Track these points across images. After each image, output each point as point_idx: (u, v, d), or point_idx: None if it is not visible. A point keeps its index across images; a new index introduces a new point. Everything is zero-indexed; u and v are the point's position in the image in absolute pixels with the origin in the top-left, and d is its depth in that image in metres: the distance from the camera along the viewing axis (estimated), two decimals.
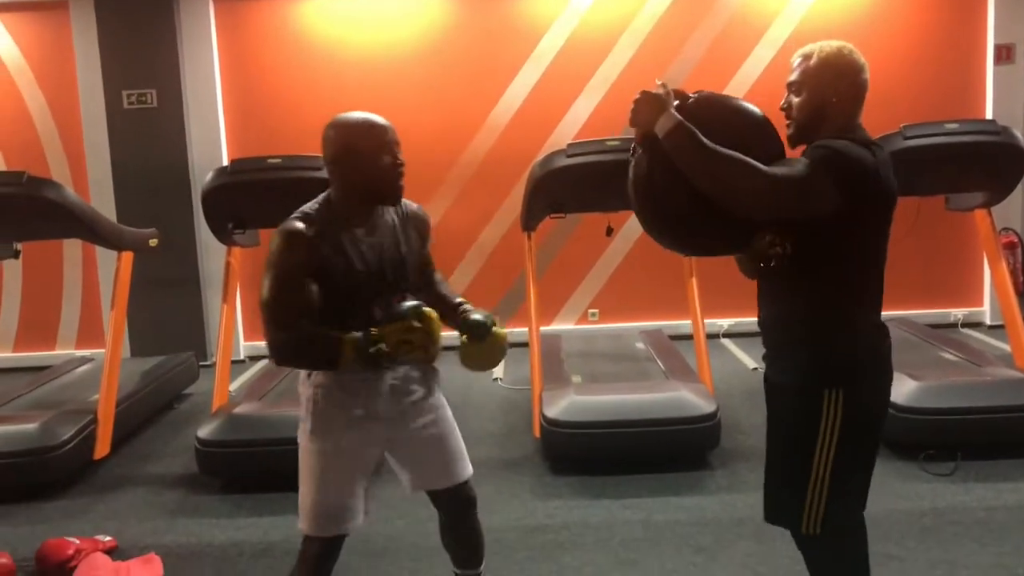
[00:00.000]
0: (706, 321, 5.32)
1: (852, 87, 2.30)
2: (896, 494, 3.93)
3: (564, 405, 4.42)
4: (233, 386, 5.85)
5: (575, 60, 7.30)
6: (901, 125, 4.62)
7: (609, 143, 4.66)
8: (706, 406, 4.37)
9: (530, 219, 5.15)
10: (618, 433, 4.30)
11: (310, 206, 2.40)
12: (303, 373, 2.49)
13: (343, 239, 2.35)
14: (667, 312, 7.09)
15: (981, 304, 7.36)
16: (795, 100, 2.33)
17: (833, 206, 2.13)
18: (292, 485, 4.25)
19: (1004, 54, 7.06)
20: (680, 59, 7.28)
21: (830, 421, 2.24)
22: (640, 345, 6.00)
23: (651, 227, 2.39)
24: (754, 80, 7.24)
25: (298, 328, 2.27)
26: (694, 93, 2.38)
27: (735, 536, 3.61)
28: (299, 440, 2.51)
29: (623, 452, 4.36)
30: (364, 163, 2.35)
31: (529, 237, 5.27)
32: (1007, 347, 5.36)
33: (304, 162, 4.64)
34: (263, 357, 7.38)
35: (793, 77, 2.35)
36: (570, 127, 7.30)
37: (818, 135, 2.27)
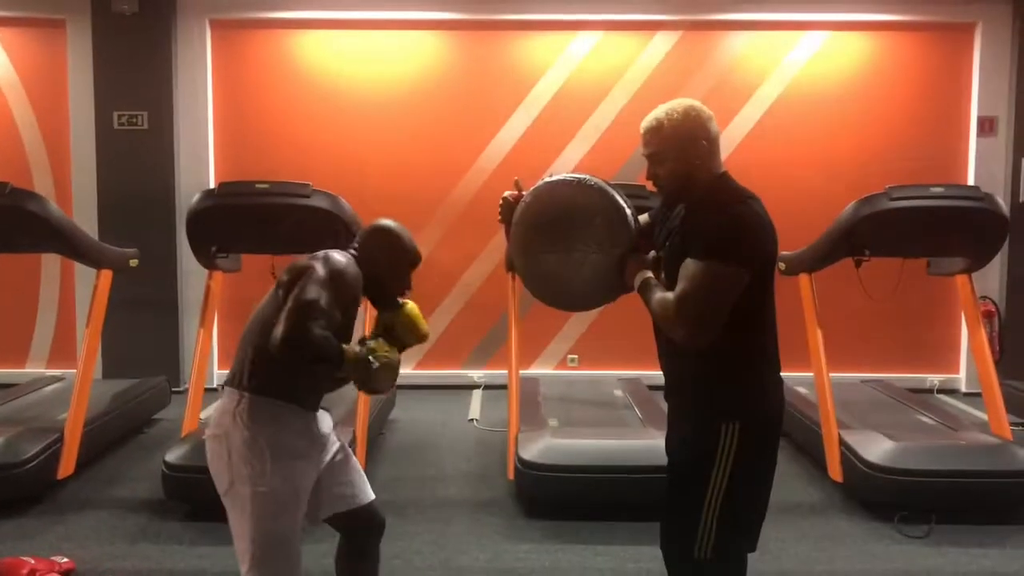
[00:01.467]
0: None
1: (709, 144, 2.39)
2: (870, 554, 3.90)
3: (540, 448, 4.37)
4: (204, 413, 5.75)
5: (567, 107, 7.37)
6: (886, 186, 4.68)
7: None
8: None
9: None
10: (593, 479, 4.25)
11: (350, 259, 2.59)
12: (234, 413, 2.44)
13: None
14: (647, 362, 6.98)
15: (957, 371, 7.39)
16: (660, 171, 2.42)
17: (745, 282, 2.25)
18: None
19: (987, 126, 7.20)
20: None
21: (725, 452, 2.32)
22: (619, 392, 5.97)
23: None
24: (742, 137, 7.33)
25: (323, 329, 2.37)
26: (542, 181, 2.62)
27: None
28: (236, 482, 2.43)
29: (598, 498, 4.31)
30: (395, 273, 2.71)
31: (513, 278, 5.26)
32: (982, 415, 5.39)
33: (291, 189, 4.63)
34: None
35: (649, 151, 2.43)
36: (560, 171, 7.32)
37: (691, 195, 2.39)
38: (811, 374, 5.04)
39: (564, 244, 2.55)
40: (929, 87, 7.35)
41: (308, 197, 4.59)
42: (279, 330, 2.31)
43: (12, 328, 7.48)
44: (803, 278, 5.08)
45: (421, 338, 2.75)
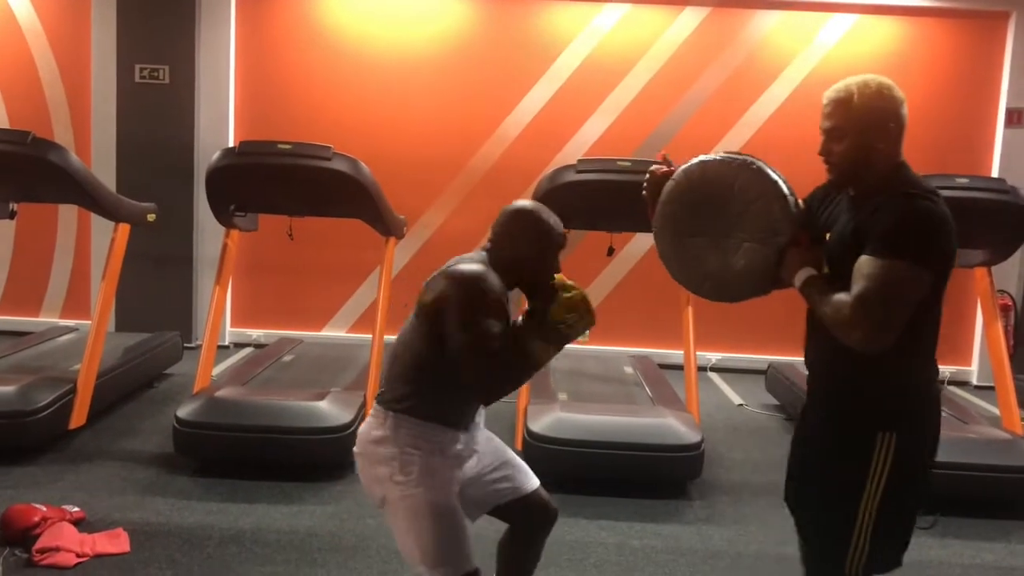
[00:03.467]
0: (696, 353, 5.29)
1: (897, 128, 2.20)
2: None
3: (549, 421, 4.38)
4: (216, 370, 5.79)
5: (591, 79, 7.31)
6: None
7: (620, 163, 4.65)
8: (691, 435, 4.34)
9: None
10: (601, 454, 4.26)
11: (482, 259, 2.41)
12: (380, 430, 2.38)
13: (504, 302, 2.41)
14: (657, 340, 7.06)
15: (969, 364, 7.37)
16: (836, 148, 2.21)
17: (928, 285, 2.09)
18: (267, 474, 4.24)
19: (1015, 118, 7.11)
20: (695, 89, 7.29)
21: (880, 463, 2.19)
22: (629, 369, 5.97)
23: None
24: (767, 117, 7.26)
25: (500, 354, 2.27)
26: (690, 161, 2.43)
27: (709, 568, 3.58)
28: (391, 496, 2.36)
29: (604, 473, 4.32)
30: (542, 259, 2.46)
31: None
32: (993, 408, 5.36)
33: (313, 151, 4.61)
34: (249, 344, 7.35)
35: (831, 123, 2.22)
36: (580, 145, 7.30)
37: (866, 180, 2.21)
38: None
39: (717, 228, 2.35)
40: (958, 76, 7.25)
41: (329, 160, 4.58)
42: (471, 382, 2.26)
43: (28, 277, 7.53)
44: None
45: (590, 321, 2.47)
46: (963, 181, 4.58)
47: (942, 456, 4.36)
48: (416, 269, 7.42)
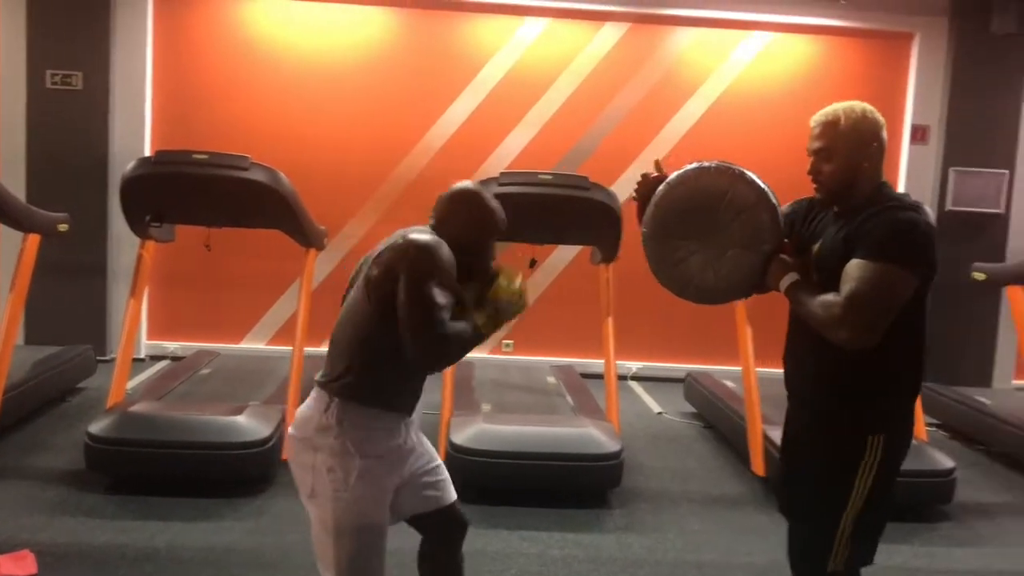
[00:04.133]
0: (616, 362, 5.37)
1: (880, 149, 2.36)
2: (785, 547, 3.99)
3: (472, 432, 4.39)
4: (131, 384, 5.65)
5: (514, 92, 7.37)
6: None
7: (542, 177, 4.71)
8: (611, 445, 4.40)
9: None
10: (523, 464, 4.29)
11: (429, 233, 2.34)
12: (322, 417, 2.29)
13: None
14: (580, 349, 7.14)
15: None
16: (826, 168, 2.35)
17: (913, 289, 2.22)
18: (183, 491, 4.15)
19: (920, 135, 7.40)
20: (615, 103, 7.41)
21: (869, 464, 2.29)
22: (551, 379, 6.03)
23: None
24: (685, 131, 7.42)
25: (448, 326, 2.23)
26: (688, 166, 2.49)
27: None
28: (320, 488, 2.28)
29: (526, 483, 4.35)
30: (478, 244, 2.44)
31: None
32: None
33: (231, 161, 4.55)
34: (165, 357, 7.18)
35: (820, 144, 2.36)
36: (503, 157, 7.35)
37: (852, 198, 2.34)
38: (739, 368, 5.15)
39: (705, 234, 2.43)
40: (867, 93, 7.41)
41: (247, 170, 4.52)
42: (413, 351, 2.19)
43: None
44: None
45: (521, 306, 2.49)
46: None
47: None
48: (338, 281, 7.35)
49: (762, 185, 2.41)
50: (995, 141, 7.25)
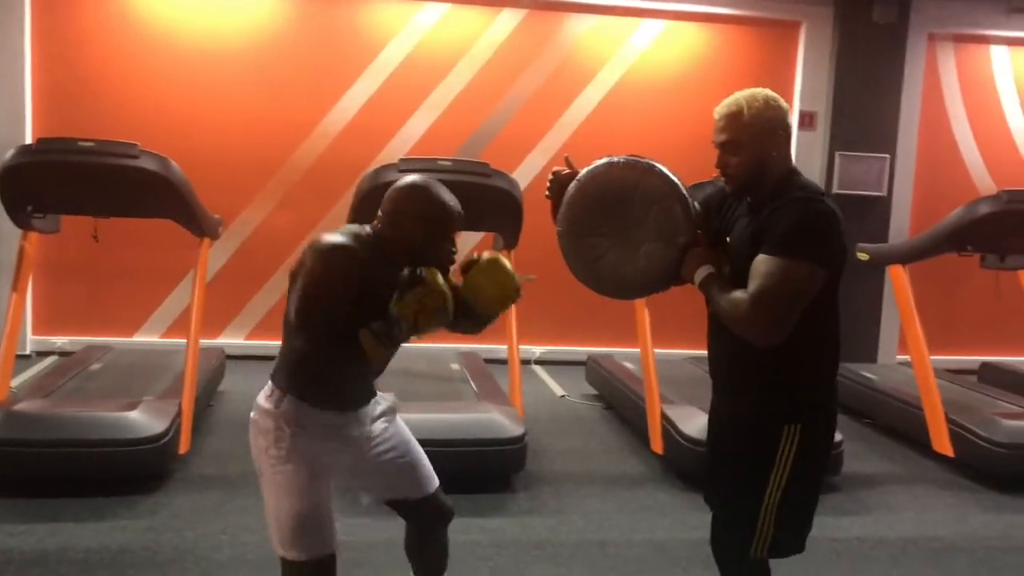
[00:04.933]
0: (520, 347, 5.41)
1: (785, 135, 2.35)
2: (685, 523, 4.12)
3: None
4: (16, 381, 5.41)
5: (413, 77, 7.32)
6: (714, 176, 4.90)
7: (442, 163, 4.69)
8: (514, 429, 4.44)
9: None
10: (426, 451, 4.26)
11: (356, 231, 2.32)
12: (266, 403, 2.37)
13: (383, 277, 2.32)
14: (484, 335, 7.12)
15: None
16: (732, 160, 2.34)
17: (822, 282, 2.22)
18: (74, 490, 4.01)
19: (807, 120, 7.67)
20: (516, 88, 7.44)
21: (785, 453, 2.30)
22: (455, 366, 6.03)
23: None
24: (583, 118, 7.50)
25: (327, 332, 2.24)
26: (598, 161, 2.48)
27: (532, 559, 3.68)
28: (264, 468, 2.37)
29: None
30: (431, 241, 2.34)
31: None
32: None
33: (118, 148, 4.39)
34: (53, 353, 6.91)
35: (725, 137, 2.34)
36: (404, 142, 7.29)
37: (762, 187, 2.33)
38: (638, 350, 5.26)
39: (619, 230, 2.42)
40: (756, 80, 7.61)
41: (136, 158, 4.38)
42: (303, 352, 2.27)
43: None
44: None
45: (505, 295, 2.44)
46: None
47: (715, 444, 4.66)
48: (234, 270, 7.20)
49: (673, 177, 2.41)
50: (877, 127, 7.56)
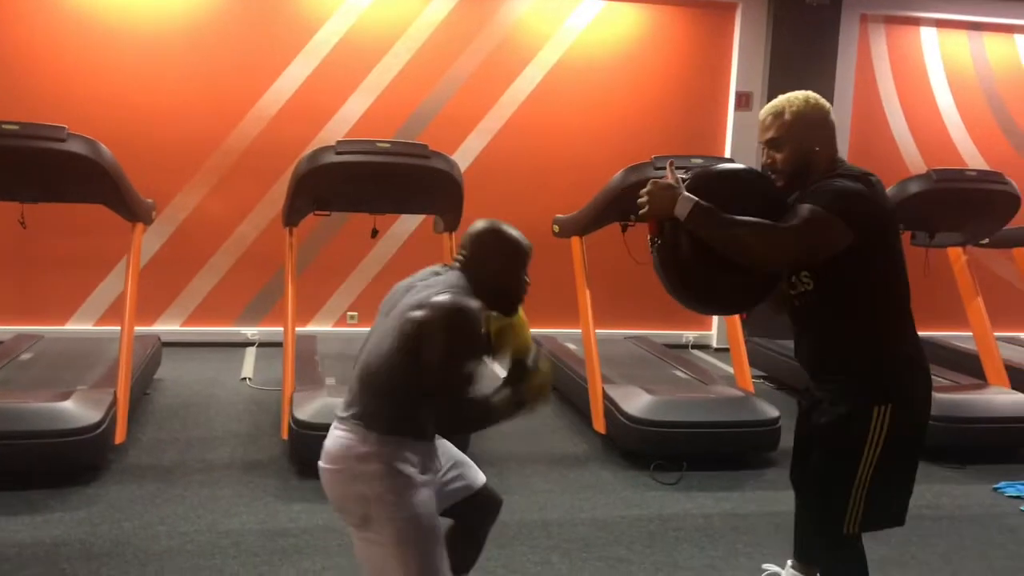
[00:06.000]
0: None
1: (827, 132, 2.52)
2: (627, 502, 4.17)
3: (316, 407, 4.32)
4: None
5: (350, 58, 7.22)
6: (652, 156, 4.95)
7: (380, 145, 4.63)
8: None
9: (292, 214, 5.01)
10: None
11: (461, 285, 2.36)
12: (362, 449, 2.30)
13: None
14: None
15: (710, 328, 8.00)
16: (777, 156, 2.51)
17: (846, 242, 2.36)
18: (5, 484, 3.89)
19: (743, 101, 7.76)
20: (454, 69, 7.39)
21: (877, 434, 2.44)
22: None
23: (689, 302, 2.66)
24: (523, 99, 7.47)
25: (474, 396, 2.36)
26: (685, 173, 2.54)
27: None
28: (381, 516, 2.29)
29: None
30: (513, 275, 2.46)
31: (290, 233, 5.13)
32: (730, 369, 5.87)
33: (45, 132, 4.24)
34: None
35: (770, 135, 2.51)
36: (342, 124, 7.20)
37: (808, 180, 2.48)
38: (579, 330, 5.29)
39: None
40: (694, 62, 7.81)
41: (63, 141, 4.24)
42: (438, 416, 2.33)
43: None
44: (574, 240, 5.33)
45: (524, 346, 2.52)
46: (698, 161, 4.90)
47: (684, 416, 4.76)
48: (170, 256, 7.06)
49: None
50: None
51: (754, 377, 5.60)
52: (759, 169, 2.63)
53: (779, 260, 2.44)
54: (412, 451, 2.33)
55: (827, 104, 2.56)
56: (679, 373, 5.63)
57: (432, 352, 2.23)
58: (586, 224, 5.25)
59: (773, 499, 4.27)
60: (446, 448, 2.60)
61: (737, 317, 5.48)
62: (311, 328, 7.18)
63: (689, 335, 7.89)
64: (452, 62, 7.39)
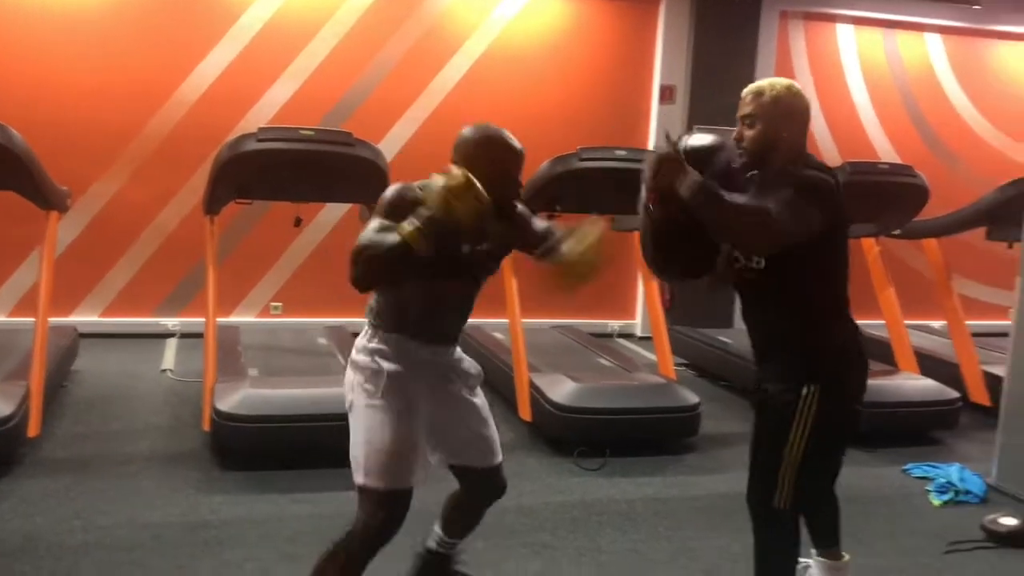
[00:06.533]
0: None
1: (800, 124, 2.62)
2: (551, 488, 4.22)
3: (238, 398, 4.27)
4: None
5: (275, 43, 7.11)
6: (578, 147, 5.00)
7: (303, 132, 4.58)
8: None
9: (213, 202, 4.93)
10: (293, 427, 4.23)
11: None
12: (362, 339, 2.58)
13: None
14: (353, 309, 7.03)
15: (634, 317, 8.12)
16: (748, 132, 2.59)
17: (818, 228, 2.45)
18: None
19: (667, 94, 7.88)
20: (381, 56, 7.34)
21: (804, 415, 2.54)
22: (323, 340, 5.96)
23: (661, 269, 2.86)
24: (450, 88, 7.47)
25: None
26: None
27: (403, 530, 3.67)
28: (355, 401, 2.55)
29: (298, 446, 4.29)
30: (499, 179, 2.51)
31: (211, 221, 5.04)
32: (653, 357, 5.98)
33: None
34: None
35: (747, 111, 2.60)
36: (265, 111, 7.09)
37: (769, 163, 2.58)
38: (506, 320, 5.32)
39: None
40: (619, 54, 7.90)
41: None
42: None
43: None
44: None
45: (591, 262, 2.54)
46: (622, 152, 5.02)
47: (608, 403, 4.83)
48: (87, 244, 6.87)
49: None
50: (734, 100, 7.77)
51: (676, 365, 5.72)
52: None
53: (764, 249, 2.53)
54: (396, 346, 2.53)
55: (807, 99, 2.65)
56: (603, 361, 5.70)
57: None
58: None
59: (693, 483, 4.37)
60: (486, 413, 2.79)
61: (659, 305, 5.59)
62: (234, 319, 7.06)
63: (614, 324, 7.99)
64: (379, 49, 7.34)
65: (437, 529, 2.98)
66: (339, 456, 4.27)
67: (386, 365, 2.51)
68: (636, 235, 5.56)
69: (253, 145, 4.50)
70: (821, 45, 8.39)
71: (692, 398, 4.86)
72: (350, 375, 2.60)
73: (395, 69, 7.37)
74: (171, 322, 7.09)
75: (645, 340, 7.60)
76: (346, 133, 4.72)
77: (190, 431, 4.74)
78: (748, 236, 2.48)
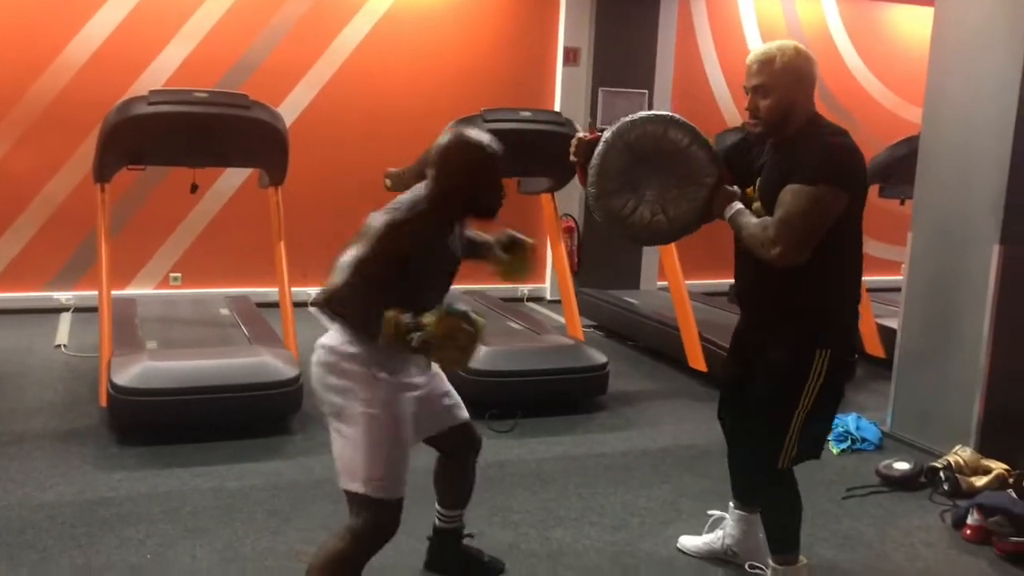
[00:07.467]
0: (294, 289, 5.26)
1: (811, 86, 2.60)
2: None
3: (136, 372, 4.13)
4: None
5: (167, 3, 6.83)
6: (481, 109, 4.95)
7: (197, 95, 4.42)
8: (288, 371, 4.34)
9: (103, 169, 4.72)
10: (195, 400, 4.12)
11: (413, 199, 2.51)
12: (349, 350, 2.46)
13: (439, 237, 2.54)
14: (256, 278, 6.91)
15: (544, 281, 8.16)
16: (763, 103, 2.57)
17: (844, 206, 2.48)
18: None
19: (571, 56, 7.87)
20: (279, 17, 7.11)
21: (815, 378, 2.59)
22: (225, 311, 5.81)
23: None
24: (351, 50, 7.28)
25: (367, 292, 2.34)
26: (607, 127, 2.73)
27: (312, 498, 3.64)
28: (349, 408, 2.46)
29: (200, 419, 4.18)
30: (483, 188, 2.53)
31: (102, 189, 4.83)
32: (563, 319, 6.02)
33: None
34: None
35: (757, 81, 2.58)
36: (158, 74, 6.81)
37: (786, 130, 2.58)
38: None
39: (649, 182, 2.69)
40: (524, 16, 7.84)
41: None
42: (332, 293, 2.34)
43: None
44: None
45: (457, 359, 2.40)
46: (526, 114, 4.99)
47: (519, 365, 4.84)
48: None
49: (691, 125, 2.69)
50: (636, 63, 7.88)
51: (585, 327, 5.77)
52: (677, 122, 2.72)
53: (786, 251, 2.49)
54: (387, 355, 2.45)
55: (814, 58, 2.63)
56: (514, 325, 5.71)
57: (361, 246, 2.38)
58: (418, 179, 5.19)
59: (602, 441, 4.43)
60: (442, 378, 2.78)
61: (568, 269, 5.62)
62: (132, 291, 6.82)
63: (524, 289, 8.01)
64: (277, 8, 7.11)
65: (437, 507, 3.00)
66: (242, 428, 4.23)
67: (381, 374, 2.46)
68: (544, 198, 5.61)
69: (144, 108, 4.32)
70: (722, 7, 8.49)
71: (600, 358, 4.92)
72: (334, 381, 2.48)
73: (294, 30, 7.16)
74: (64, 296, 6.81)
75: (554, 303, 7.65)
76: (242, 95, 4.58)
77: (87, 407, 4.57)
78: (779, 263, 2.52)
